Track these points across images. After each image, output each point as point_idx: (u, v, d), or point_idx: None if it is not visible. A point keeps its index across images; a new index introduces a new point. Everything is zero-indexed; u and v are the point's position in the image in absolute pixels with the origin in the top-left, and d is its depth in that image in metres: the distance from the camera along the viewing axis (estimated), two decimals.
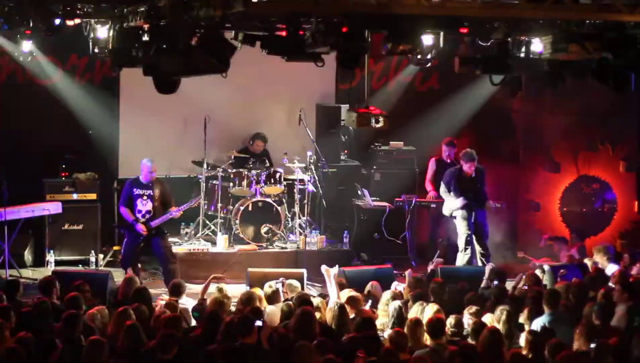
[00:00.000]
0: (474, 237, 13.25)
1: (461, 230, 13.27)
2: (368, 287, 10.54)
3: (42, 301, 9.21)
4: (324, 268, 10.59)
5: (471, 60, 11.25)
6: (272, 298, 9.90)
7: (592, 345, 8.10)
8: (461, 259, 13.24)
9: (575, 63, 11.13)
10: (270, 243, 14.04)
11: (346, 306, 9.30)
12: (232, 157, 14.51)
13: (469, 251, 13.21)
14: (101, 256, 14.01)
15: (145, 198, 12.51)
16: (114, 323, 8.81)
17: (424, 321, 8.64)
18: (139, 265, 12.87)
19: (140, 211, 12.54)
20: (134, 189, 12.57)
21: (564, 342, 8.21)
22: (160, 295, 11.20)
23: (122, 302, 9.94)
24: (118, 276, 11.95)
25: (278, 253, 14.03)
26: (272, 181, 14.22)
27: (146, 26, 9.41)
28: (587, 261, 12.39)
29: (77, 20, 10.80)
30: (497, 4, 9.54)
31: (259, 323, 8.35)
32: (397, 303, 9.37)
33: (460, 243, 13.28)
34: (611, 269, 11.81)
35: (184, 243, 14.06)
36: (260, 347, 8.29)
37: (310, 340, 7.99)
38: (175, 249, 13.43)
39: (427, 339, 8.47)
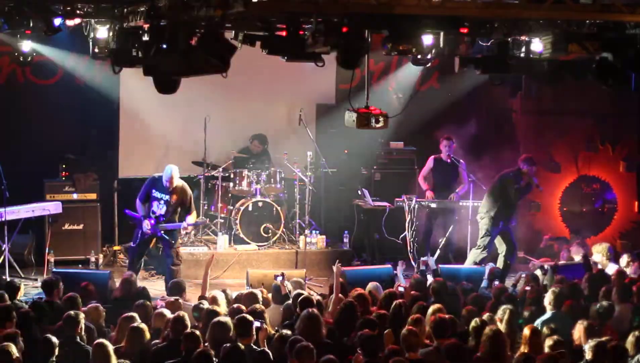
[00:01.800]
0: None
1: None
2: (368, 287, 10.53)
3: (39, 302, 9.24)
4: (336, 266, 10.56)
5: (471, 60, 11.25)
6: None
7: (589, 345, 8.09)
8: (475, 256, 13.29)
9: (575, 63, 11.14)
10: (270, 243, 14.05)
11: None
12: (232, 157, 14.52)
13: (485, 251, 13.28)
14: (101, 256, 14.02)
15: (162, 202, 12.49)
16: (119, 327, 8.82)
17: (426, 321, 8.64)
18: (142, 262, 12.85)
19: (154, 212, 12.53)
20: (153, 191, 12.54)
21: (563, 340, 8.22)
22: (162, 295, 11.21)
23: (120, 301, 9.95)
24: (118, 275, 11.95)
25: (278, 253, 14.03)
26: (272, 181, 14.22)
27: (146, 26, 9.41)
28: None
29: (77, 20, 10.80)
30: (497, 4, 9.54)
31: (257, 324, 8.34)
32: (397, 302, 9.37)
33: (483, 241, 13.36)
34: (611, 269, 11.82)
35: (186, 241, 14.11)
36: (257, 348, 8.27)
37: (317, 343, 7.99)
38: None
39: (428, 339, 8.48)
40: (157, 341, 8.54)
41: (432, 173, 14.34)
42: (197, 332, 8.24)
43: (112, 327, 9.17)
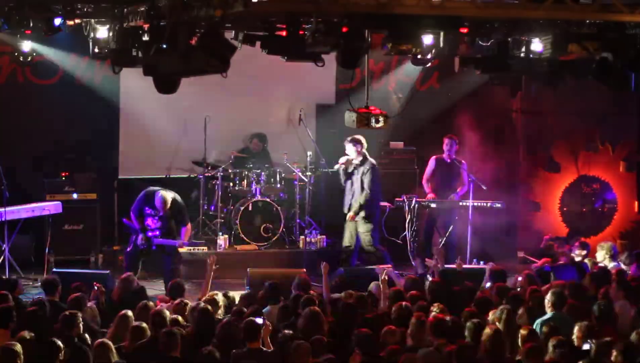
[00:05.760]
0: None
1: None
2: (370, 287, 10.52)
3: (40, 301, 9.23)
4: (323, 265, 10.60)
5: (471, 60, 11.27)
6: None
7: (592, 345, 8.09)
8: None
9: (575, 63, 11.15)
10: (270, 243, 14.04)
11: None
12: (232, 157, 14.52)
13: None
14: (101, 256, 14.01)
15: (156, 217, 12.53)
16: (116, 325, 8.82)
17: (427, 321, 8.65)
18: (140, 263, 12.85)
19: (149, 226, 12.60)
20: (146, 208, 12.59)
21: (565, 340, 8.23)
22: (160, 296, 11.20)
23: (118, 302, 9.94)
24: (118, 275, 11.93)
25: (278, 253, 14.02)
26: (272, 181, 14.22)
27: (146, 26, 9.41)
28: (587, 261, 12.39)
29: (77, 20, 10.80)
30: (497, 4, 9.56)
31: (259, 320, 8.34)
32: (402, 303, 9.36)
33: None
34: (613, 268, 11.81)
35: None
36: (264, 350, 8.25)
37: (319, 340, 8.01)
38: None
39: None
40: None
41: (434, 173, 14.33)
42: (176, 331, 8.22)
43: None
